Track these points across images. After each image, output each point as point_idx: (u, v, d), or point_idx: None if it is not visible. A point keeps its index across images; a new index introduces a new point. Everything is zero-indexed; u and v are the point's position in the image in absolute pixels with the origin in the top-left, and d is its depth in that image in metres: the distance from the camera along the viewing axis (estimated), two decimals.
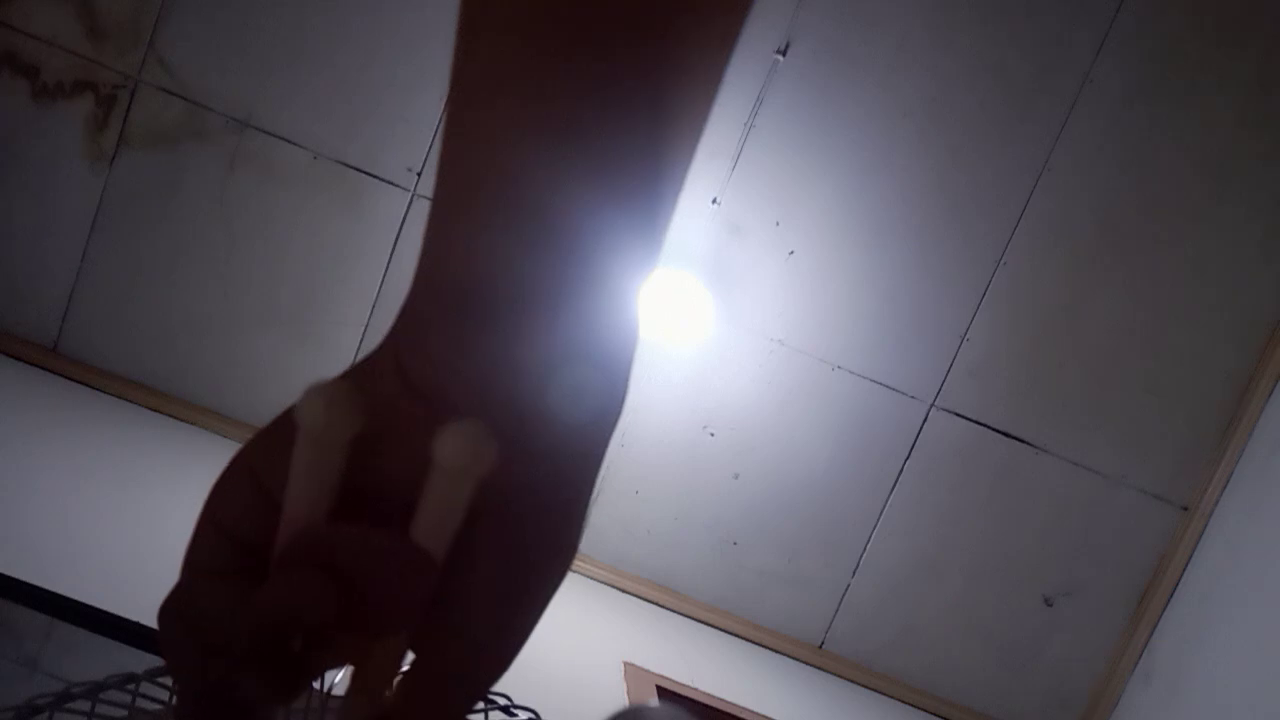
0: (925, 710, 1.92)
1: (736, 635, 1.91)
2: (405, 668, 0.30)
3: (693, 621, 1.90)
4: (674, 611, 1.90)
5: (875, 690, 1.92)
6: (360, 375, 0.29)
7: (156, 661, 0.47)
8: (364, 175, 1.79)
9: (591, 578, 1.87)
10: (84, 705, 0.44)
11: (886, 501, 1.91)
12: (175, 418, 1.79)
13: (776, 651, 1.91)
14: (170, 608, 0.28)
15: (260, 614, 0.27)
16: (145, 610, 1.11)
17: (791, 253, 1.85)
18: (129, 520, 1.38)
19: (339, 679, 0.36)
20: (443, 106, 1.78)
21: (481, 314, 0.27)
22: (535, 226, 0.26)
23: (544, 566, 0.29)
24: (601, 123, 0.26)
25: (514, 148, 0.26)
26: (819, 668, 1.92)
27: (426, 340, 0.28)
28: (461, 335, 0.27)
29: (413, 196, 1.80)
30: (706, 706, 1.53)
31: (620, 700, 1.43)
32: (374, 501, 0.29)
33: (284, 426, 0.29)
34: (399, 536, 0.27)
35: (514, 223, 0.26)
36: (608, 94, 0.25)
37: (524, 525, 0.29)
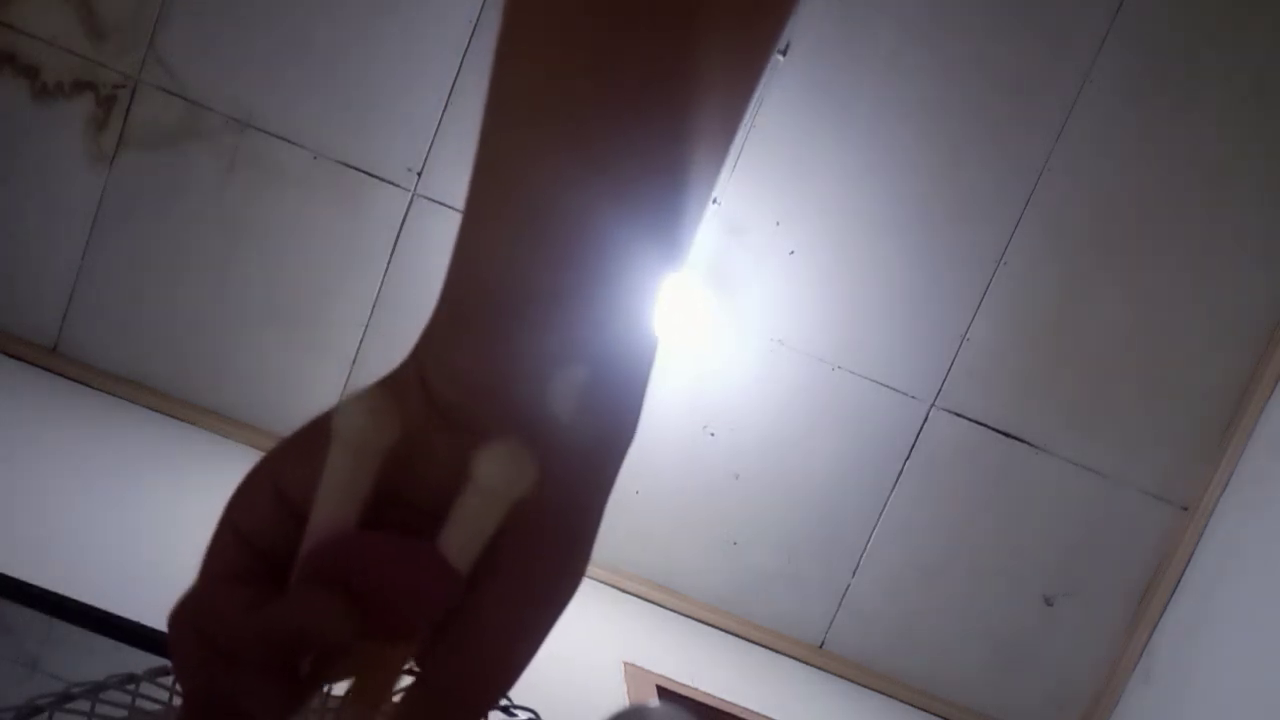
0: (925, 710, 1.92)
1: (736, 635, 1.91)
2: (408, 681, 0.30)
3: (693, 621, 1.90)
4: (674, 611, 1.90)
5: (875, 690, 1.92)
6: (387, 387, 0.29)
7: (156, 661, 0.47)
8: (364, 175, 1.79)
9: (591, 578, 1.87)
10: (84, 705, 0.44)
11: (886, 501, 1.91)
12: (175, 418, 1.79)
13: (776, 651, 1.91)
14: (183, 611, 0.28)
15: (273, 628, 0.27)
16: (145, 610, 1.11)
17: (791, 253, 1.85)
18: (129, 520, 1.39)
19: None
20: (443, 108, 1.78)
21: (507, 338, 0.27)
22: (561, 255, 0.27)
23: (553, 589, 0.29)
24: (626, 147, 0.26)
25: (543, 175, 0.26)
26: (819, 668, 1.92)
27: (451, 358, 0.28)
28: (486, 356, 0.28)
29: (413, 196, 1.80)
30: (706, 706, 1.53)
31: (620, 700, 1.43)
32: (393, 514, 0.29)
33: (309, 437, 0.29)
34: (426, 545, 0.27)
35: (540, 251, 0.27)
36: (634, 116, 0.26)
37: (536, 548, 0.29)
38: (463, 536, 0.27)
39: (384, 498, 0.28)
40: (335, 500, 0.27)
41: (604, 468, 0.29)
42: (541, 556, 0.29)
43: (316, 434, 0.29)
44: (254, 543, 0.29)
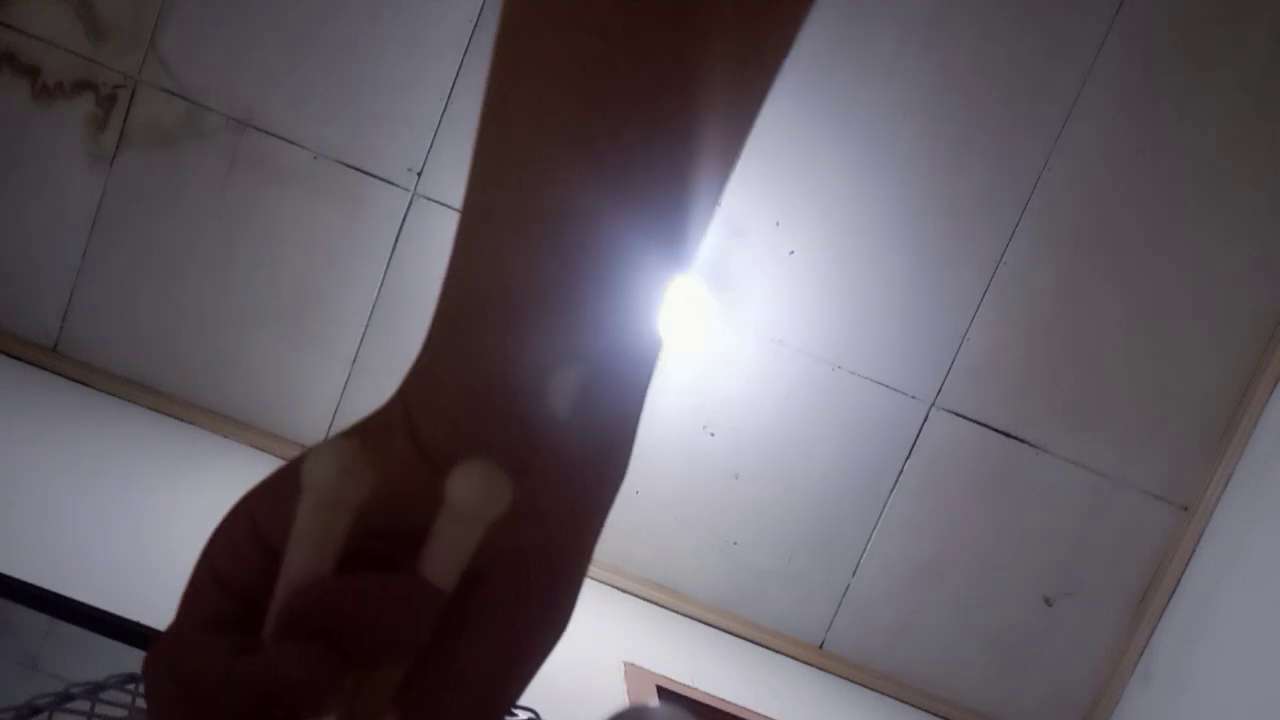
0: (925, 710, 1.92)
1: (736, 635, 1.91)
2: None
3: (693, 621, 1.90)
4: (674, 611, 1.90)
5: (875, 690, 1.92)
6: (370, 430, 0.29)
7: None
8: (364, 175, 1.79)
9: (592, 578, 1.87)
10: (84, 705, 0.44)
11: (886, 501, 1.91)
12: (175, 418, 1.79)
13: (776, 651, 1.91)
14: (159, 657, 0.28)
15: (252, 681, 0.26)
16: (145, 610, 1.11)
17: (791, 253, 1.85)
18: (129, 520, 1.39)
19: None
20: (443, 108, 1.78)
21: (496, 385, 0.27)
22: (568, 262, 0.26)
23: (538, 636, 0.29)
24: (634, 153, 0.26)
25: (548, 182, 0.26)
26: (819, 668, 1.92)
27: (439, 400, 0.28)
28: (475, 400, 0.27)
29: (413, 196, 1.80)
30: (706, 706, 1.53)
31: (620, 700, 1.43)
32: (373, 545, 0.28)
33: (289, 479, 0.28)
34: (405, 576, 0.27)
35: (544, 258, 0.26)
36: (642, 122, 0.25)
37: (523, 592, 0.28)
38: (442, 561, 0.27)
39: (364, 532, 0.28)
40: (306, 555, 0.27)
41: (593, 512, 0.29)
42: (529, 604, 0.28)
43: (296, 474, 0.28)
44: (233, 586, 0.28)
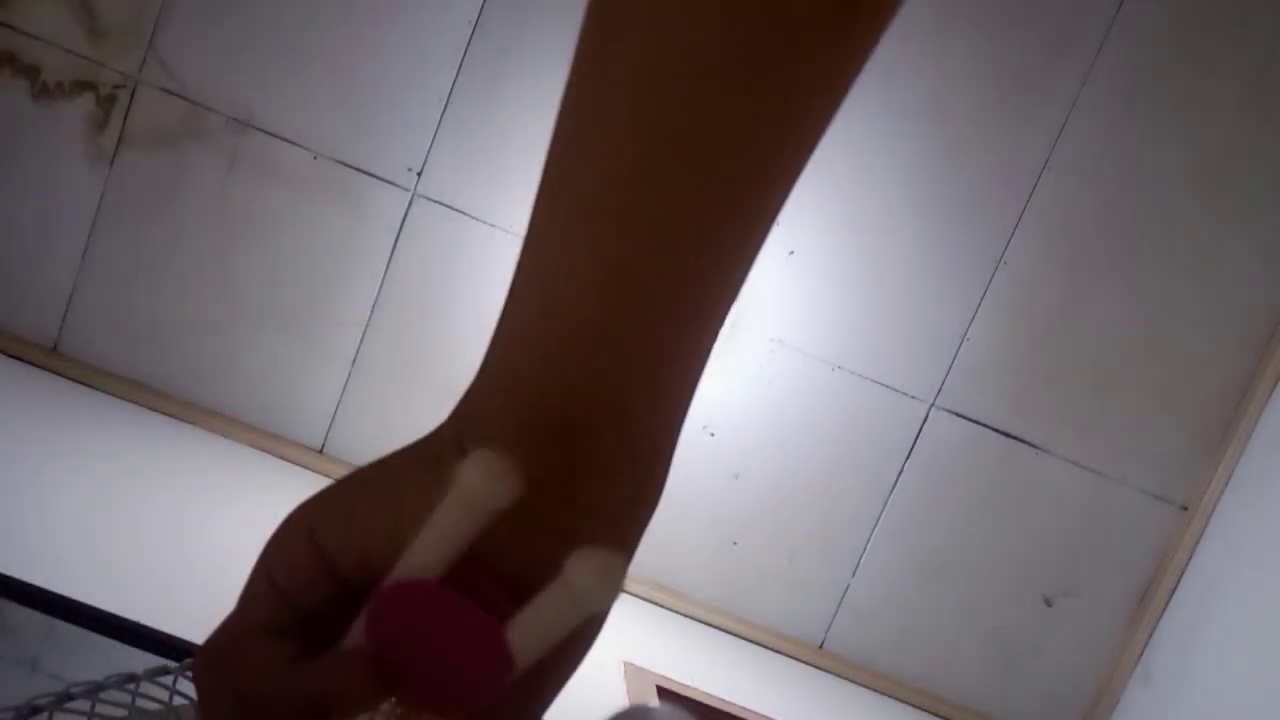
0: (925, 710, 1.92)
1: (736, 635, 1.91)
2: None
3: (693, 621, 1.90)
4: (674, 611, 1.90)
5: (875, 690, 1.92)
6: (421, 455, 0.29)
7: (156, 661, 0.47)
8: (364, 175, 1.79)
9: None
10: (84, 705, 0.44)
11: (886, 501, 1.91)
12: (175, 417, 1.79)
13: (776, 651, 1.91)
14: (213, 655, 0.28)
15: (307, 689, 0.27)
16: (145, 610, 1.11)
17: (791, 252, 1.85)
18: (129, 520, 1.39)
19: None
20: (443, 108, 1.78)
21: (548, 419, 0.28)
22: (606, 344, 0.27)
23: (567, 666, 0.30)
24: (686, 232, 0.27)
25: (593, 290, 0.27)
26: (819, 668, 1.92)
27: (491, 431, 0.29)
28: (527, 432, 0.28)
29: (413, 196, 1.80)
30: (706, 706, 1.53)
31: (620, 700, 1.43)
32: (461, 570, 0.30)
33: (352, 490, 0.29)
34: (494, 622, 0.27)
35: (583, 343, 0.28)
36: (699, 195, 0.27)
37: (568, 641, 0.30)
38: (535, 633, 0.27)
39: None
40: (434, 546, 0.27)
41: (631, 539, 0.31)
42: (571, 650, 0.30)
43: (359, 487, 0.29)
44: (288, 594, 0.29)
